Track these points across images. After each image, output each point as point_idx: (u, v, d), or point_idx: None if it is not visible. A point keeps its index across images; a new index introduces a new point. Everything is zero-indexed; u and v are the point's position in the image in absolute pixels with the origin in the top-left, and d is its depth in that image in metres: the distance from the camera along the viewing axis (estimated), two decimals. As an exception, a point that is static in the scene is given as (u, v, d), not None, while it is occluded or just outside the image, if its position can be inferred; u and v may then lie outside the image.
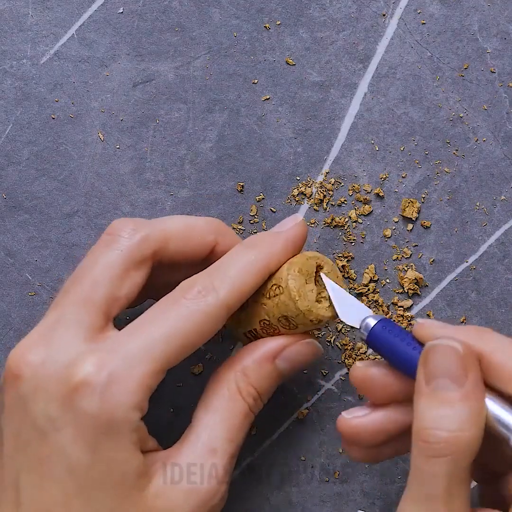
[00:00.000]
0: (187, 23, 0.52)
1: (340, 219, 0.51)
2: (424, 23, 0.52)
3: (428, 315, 0.50)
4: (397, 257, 0.51)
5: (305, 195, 0.51)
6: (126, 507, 0.40)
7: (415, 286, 0.50)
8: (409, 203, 0.51)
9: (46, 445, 0.39)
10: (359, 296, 0.51)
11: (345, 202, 0.51)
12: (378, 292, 0.51)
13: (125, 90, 0.52)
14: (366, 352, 0.50)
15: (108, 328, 0.42)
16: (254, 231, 0.51)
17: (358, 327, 0.43)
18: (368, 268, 0.51)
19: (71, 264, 0.50)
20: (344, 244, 0.51)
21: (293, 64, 0.51)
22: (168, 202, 0.51)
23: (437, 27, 0.51)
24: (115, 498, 0.39)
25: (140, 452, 0.40)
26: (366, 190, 0.51)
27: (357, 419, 0.42)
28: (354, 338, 0.50)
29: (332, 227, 0.51)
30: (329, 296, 0.44)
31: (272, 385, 0.44)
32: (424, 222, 0.51)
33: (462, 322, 0.50)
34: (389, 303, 0.50)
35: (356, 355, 0.50)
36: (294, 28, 0.52)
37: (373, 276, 0.50)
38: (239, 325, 0.45)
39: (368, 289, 0.50)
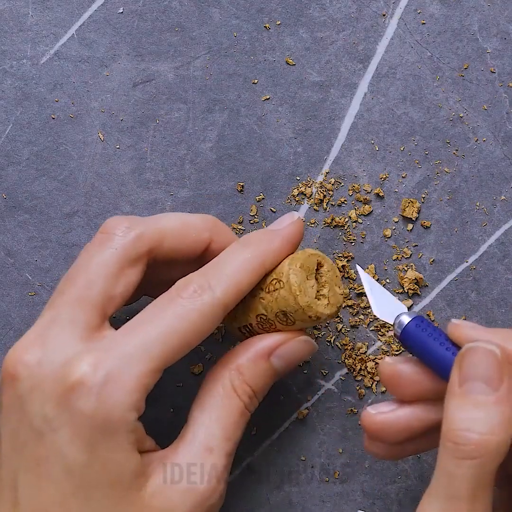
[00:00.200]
0: (187, 23, 0.52)
1: (340, 219, 0.51)
2: (424, 23, 0.52)
3: (428, 315, 0.50)
4: (397, 257, 0.51)
5: (305, 195, 0.51)
6: (123, 506, 0.40)
7: (415, 286, 0.50)
8: (409, 203, 0.51)
9: (43, 446, 0.39)
10: (359, 296, 0.51)
11: (345, 202, 0.51)
12: (378, 292, 0.51)
13: (125, 90, 0.52)
14: (366, 352, 0.50)
15: (104, 327, 0.42)
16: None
17: (392, 323, 0.43)
18: (368, 268, 0.51)
19: (71, 264, 0.50)
20: (344, 244, 0.51)
21: (293, 64, 0.51)
22: (168, 202, 0.51)
23: (437, 27, 0.51)
24: (113, 498, 0.39)
25: (137, 452, 0.40)
26: (366, 190, 0.51)
27: (382, 415, 0.42)
28: (354, 338, 0.50)
29: (332, 227, 0.51)
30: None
31: (267, 383, 0.44)
32: (424, 222, 0.51)
33: (462, 322, 0.50)
34: (389, 303, 0.51)
35: (356, 355, 0.50)
36: (294, 28, 0.52)
37: (373, 276, 0.50)
38: (234, 320, 0.45)
39: (368, 289, 0.50)
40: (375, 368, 0.50)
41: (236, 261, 0.43)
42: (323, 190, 0.51)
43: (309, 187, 0.51)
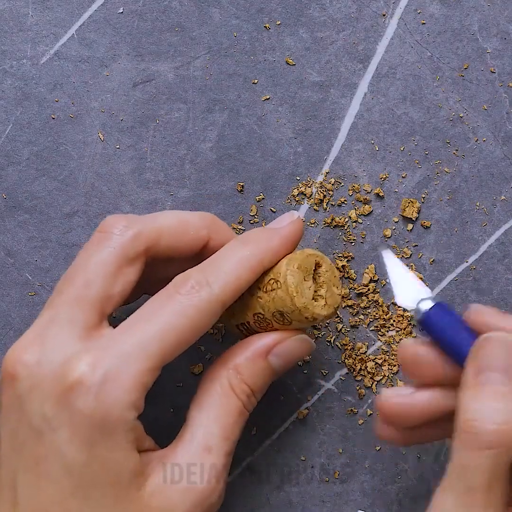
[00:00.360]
0: (187, 23, 0.52)
1: (340, 219, 0.51)
2: (424, 23, 0.52)
3: (428, 315, 0.50)
4: (397, 257, 0.51)
5: (305, 195, 0.51)
6: (123, 506, 0.40)
7: (415, 286, 0.50)
8: (409, 203, 0.51)
9: (42, 445, 0.39)
10: (359, 296, 0.51)
11: (345, 202, 0.51)
12: (378, 292, 0.51)
13: (125, 90, 0.52)
14: (366, 352, 0.50)
15: (103, 326, 0.42)
16: (254, 231, 0.51)
17: (412, 308, 0.42)
18: (368, 268, 0.51)
19: (71, 264, 0.50)
20: (344, 244, 0.51)
21: (293, 64, 0.51)
22: (168, 202, 0.51)
23: (437, 27, 0.51)
24: (112, 497, 0.39)
25: (137, 451, 0.40)
26: (366, 190, 0.51)
27: (400, 398, 0.42)
28: (354, 338, 0.50)
29: (332, 227, 0.51)
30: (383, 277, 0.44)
31: (265, 382, 0.44)
32: (424, 222, 0.51)
33: (462, 322, 0.50)
34: (389, 303, 0.50)
35: (356, 355, 0.50)
36: (294, 28, 0.51)
37: (373, 276, 0.50)
38: (231, 317, 0.45)
39: (368, 289, 0.50)
40: (375, 368, 0.50)
41: (235, 258, 0.43)
42: (323, 190, 0.51)
43: (309, 187, 0.51)
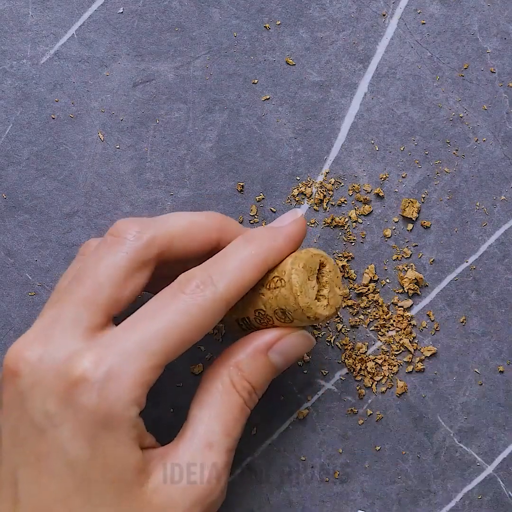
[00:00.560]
0: (187, 23, 0.52)
1: (340, 219, 0.51)
2: (424, 23, 0.52)
3: (428, 315, 0.50)
4: (397, 257, 0.51)
5: (305, 195, 0.51)
6: (125, 502, 0.40)
7: (415, 286, 0.50)
8: (409, 203, 0.51)
9: (44, 441, 0.39)
10: (359, 296, 0.51)
11: (345, 202, 0.51)
12: (378, 292, 0.51)
13: (125, 90, 0.52)
14: (366, 352, 0.50)
15: (108, 326, 0.42)
16: (254, 231, 0.51)
17: None
18: (368, 268, 0.51)
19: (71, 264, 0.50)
20: (344, 244, 0.51)
21: (293, 64, 0.51)
22: (168, 202, 0.51)
23: (437, 27, 0.51)
24: (114, 494, 0.39)
25: (139, 448, 0.40)
26: (366, 190, 0.51)
27: None
28: (354, 338, 0.50)
29: (332, 227, 0.51)
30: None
31: (266, 379, 0.44)
32: (424, 222, 0.51)
33: (462, 322, 0.50)
34: (389, 303, 0.51)
35: (356, 355, 0.50)
36: (294, 28, 0.51)
37: (373, 276, 0.50)
38: (232, 311, 0.45)
39: (368, 289, 0.50)
40: (375, 368, 0.50)
41: (239, 257, 0.43)
42: (323, 190, 0.51)
43: (309, 187, 0.51)
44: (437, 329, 0.50)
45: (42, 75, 0.52)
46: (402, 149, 0.51)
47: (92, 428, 0.39)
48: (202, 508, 0.42)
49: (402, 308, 0.50)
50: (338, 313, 0.50)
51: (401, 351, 0.50)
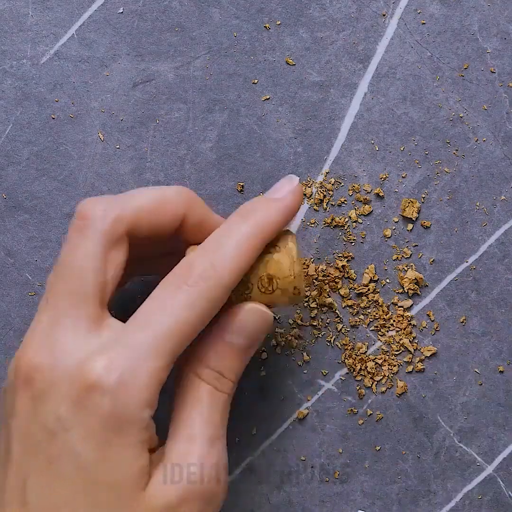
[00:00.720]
0: (187, 23, 0.52)
1: (340, 219, 0.51)
2: (424, 23, 0.52)
3: (428, 315, 0.50)
4: (397, 257, 0.51)
5: (305, 195, 0.51)
6: (130, 505, 0.40)
7: (415, 286, 0.50)
8: (409, 203, 0.51)
9: (56, 445, 0.39)
10: (359, 296, 0.51)
11: (345, 202, 0.51)
12: (378, 292, 0.51)
13: (125, 90, 0.52)
14: (366, 352, 0.50)
15: (105, 315, 0.42)
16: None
17: None
18: (368, 268, 0.51)
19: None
20: (344, 244, 0.51)
21: (293, 64, 0.51)
22: (168, 202, 0.51)
23: (437, 27, 0.51)
24: (121, 497, 0.39)
25: (147, 451, 0.40)
26: (366, 190, 0.51)
27: None
28: (354, 338, 0.50)
29: (332, 227, 0.51)
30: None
31: (233, 361, 0.43)
32: (424, 222, 0.51)
33: (462, 322, 0.50)
34: (389, 303, 0.50)
35: (356, 355, 0.50)
36: (294, 28, 0.51)
37: (373, 276, 0.50)
38: None
39: (368, 289, 0.50)
40: (375, 368, 0.50)
41: (237, 238, 0.42)
42: (323, 190, 0.51)
43: (309, 187, 0.51)
44: (437, 329, 0.50)
45: (42, 75, 0.52)
46: (402, 149, 0.51)
47: (103, 433, 0.39)
48: (204, 508, 0.42)
49: (402, 308, 0.50)
50: (338, 313, 0.50)
51: (401, 351, 0.50)
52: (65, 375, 0.40)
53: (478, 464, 0.50)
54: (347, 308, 0.50)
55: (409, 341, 0.50)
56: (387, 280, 0.51)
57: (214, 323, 0.43)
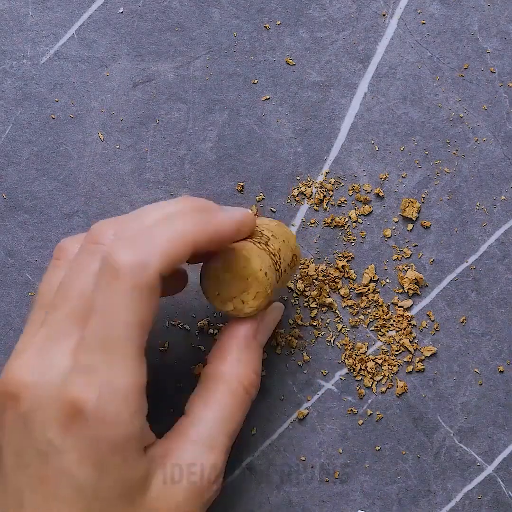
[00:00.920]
0: (187, 23, 0.52)
1: (340, 219, 0.51)
2: (424, 23, 0.52)
3: (428, 315, 0.50)
4: (397, 257, 0.51)
5: (305, 195, 0.51)
6: (134, 511, 0.40)
7: (415, 286, 0.50)
8: (409, 203, 0.51)
9: (49, 467, 0.39)
10: (359, 296, 0.51)
11: (345, 202, 0.51)
12: (378, 292, 0.51)
13: (125, 90, 0.52)
14: (366, 352, 0.50)
15: None
16: (254, 231, 0.51)
17: None
18: (368, 268, 0.51)
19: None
20: (344, 244, 0.51)
21: (293, 64, 0.51)
22: (168, 202, 0.51)
23: (437, 27, 0.51)
24: (122, 508, 0.39)
25: (144, 454, 0.40)
26: (366, 190, 0.51)
27: None
28: (354, 338, 0.50)
29: (332, 227, 0.51)
30: None
31: (260, 363, 0.45)
32: (424, 222, 0.51)
33: (462, 322, 0.50)
34: (389, 303, 0.51)
35: (356, 355, 0.50)
36: (294, 28, 0.51)
37: (373, 276, 0.50)
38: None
39: (368, 289, 0.50)
40: (375, 368, 0.50)
41: (169, 233, 0.40)
42: (323, 190, 0.51)
43: (309, 187, 0.51)
44: (437, 329, 0.50)
45: (42, 75, 0.52)
46: (402, 149, 0.51)
47: (98, 453, 0.38)
48: (203, 508, 0.42)
49: (402, 308, 0.50)
50: (338, 312, 0.50)
51: (401, 351, 0.50)
52: (49, 394, 0.39)
53: (478, 464, 0.50)
54: (347, 308, 0.50)
55: (409, 341, 0.50)
56: (387, 280, 0.51)
57: (243, 328, 0.44)
